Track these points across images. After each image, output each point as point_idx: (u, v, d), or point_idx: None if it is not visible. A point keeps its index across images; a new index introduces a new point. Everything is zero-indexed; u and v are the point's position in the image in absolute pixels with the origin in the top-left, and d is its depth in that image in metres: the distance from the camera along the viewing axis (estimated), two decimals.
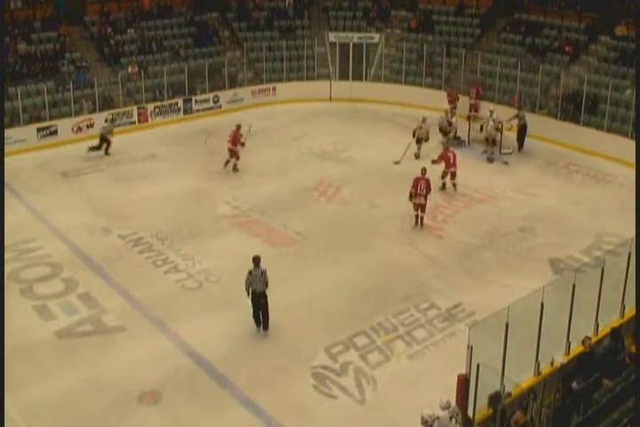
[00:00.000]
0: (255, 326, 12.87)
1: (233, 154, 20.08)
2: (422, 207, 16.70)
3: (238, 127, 20.24)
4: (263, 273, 12.61)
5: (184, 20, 27.88)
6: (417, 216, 16.88)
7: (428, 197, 16.70)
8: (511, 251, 15.81)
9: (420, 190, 16.54)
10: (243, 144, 20.12)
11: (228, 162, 20.15)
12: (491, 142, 21.30)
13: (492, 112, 21.59)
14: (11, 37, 23.96)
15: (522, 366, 10.17)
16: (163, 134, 23.49)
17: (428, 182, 16.62)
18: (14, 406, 10.53)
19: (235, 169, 20.19)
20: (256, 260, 12.72)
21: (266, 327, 12.83)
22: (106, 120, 22.28)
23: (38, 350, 12.24)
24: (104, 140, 21.54)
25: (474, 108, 24.01)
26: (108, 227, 16.74)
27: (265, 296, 12.66)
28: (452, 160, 18.64)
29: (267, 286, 12.64)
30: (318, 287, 14.25)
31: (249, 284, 12.61)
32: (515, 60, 24.95)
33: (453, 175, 18.79)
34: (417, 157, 20.83)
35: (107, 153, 21.57)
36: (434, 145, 21.38)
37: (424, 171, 16.80)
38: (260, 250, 15.58)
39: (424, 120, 21.18)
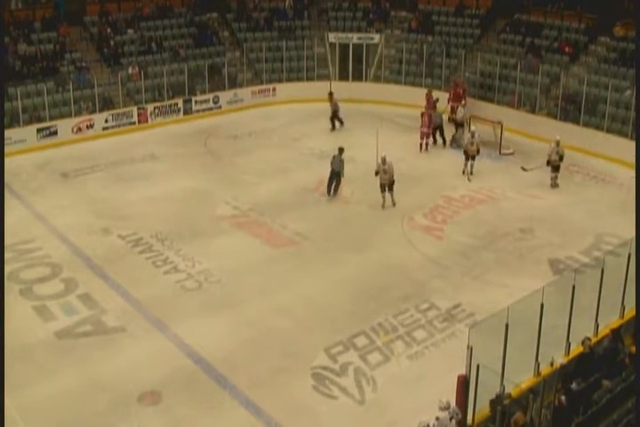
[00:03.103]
0: (327, 193, 18.30)
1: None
2: (426, 135, 21.49)
3: (430, 91, 23.53)
4: (342, 160, 18.25)
5: (184, 20, 27.88)
6: (421, 144, 21.48)
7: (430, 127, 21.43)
8: (511, 251, 15.82)
9: (423, 122, 21.44)
10: (437, 99, 23.11)
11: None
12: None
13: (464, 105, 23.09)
14: (11, 38, 23.96)
15: (522, 367, 10.17)
16: (163, 135, 23.49)
17: (430, 116, 21.56)
18: (14, 406, 10.50)
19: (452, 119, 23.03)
20: (340, 149, 18.40)
21: (335, 194, 18.33)
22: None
23: (38, 351, 12.24)
24: (460, 125, 22.23)
25: (453, 110, 23.57)
26: (107, 227, 16.74)
27: (339, 175, 18.25)
28: (426, 121, 21.54)
29: (341, 169, 18.16)
30: (318, 288, 14.26)
31: (331, 163, 18.24)
32: (514, 60, 24.95)
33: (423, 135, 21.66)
34: (392, 204, 17.86)
35: (445, 143, 22.24)
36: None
37: (427, 108, 22.08)
38: (259, 250, 15.72)
39: (384, 161, 17.43)
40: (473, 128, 20.06)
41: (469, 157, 19.76)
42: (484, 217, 17.50)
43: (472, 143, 19.69)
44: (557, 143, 18.90)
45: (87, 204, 18.11)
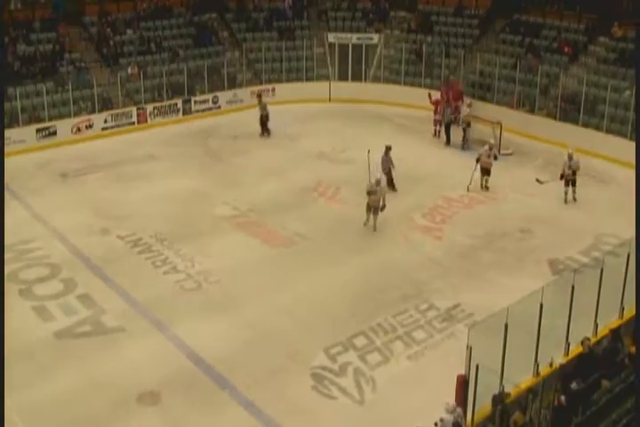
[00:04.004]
0: None
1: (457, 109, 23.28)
2: (439, 123, 22.61)
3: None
4: (388, 160, 18.39)
5: (183, 20, 27.88)
6: (435, 130, 22.79)
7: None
8: (510, 252, 15.82)
9: (439, 110, 22.63)
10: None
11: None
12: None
13: (469, 105, 22.85)
14: (10, 38, 23.94)
15: (521, 367, 10.19)
16: (162, 135, 23.47)
17: (443, 107, 22.55)
18: (13, 406, 10.47)
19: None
20: (388, 148, 18.46)
21: (392, 190, 18.40)
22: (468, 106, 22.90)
23: (37, 351, 12.24)
24: (468, 125, 22.14)
25: (457, 110, 23.31)
26: (107, 227, 16.73)
27: (389, 173, 18.51)
28: (437, 107, 22.84)
29: (385, 167, 18.22)
30: (317, 288, 14.25)
31: (381, 161, 18.25)
32: (514, 60, 24.97)
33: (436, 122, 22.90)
34: (373, 229, 16.68)
35: (449, 142, 22.28)
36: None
37: (440, 98, 23.07)
38: (259, 251, 15.72)
39: (378, 183, 16.43)
40: (492, 141, 19.29)
41: (485, 170, 18.69)
42: (484, 217, 17.51)
43: (489, 156, 18.63)
44: (570, 157, 17.85)
45: (86, 204, 18.09)
